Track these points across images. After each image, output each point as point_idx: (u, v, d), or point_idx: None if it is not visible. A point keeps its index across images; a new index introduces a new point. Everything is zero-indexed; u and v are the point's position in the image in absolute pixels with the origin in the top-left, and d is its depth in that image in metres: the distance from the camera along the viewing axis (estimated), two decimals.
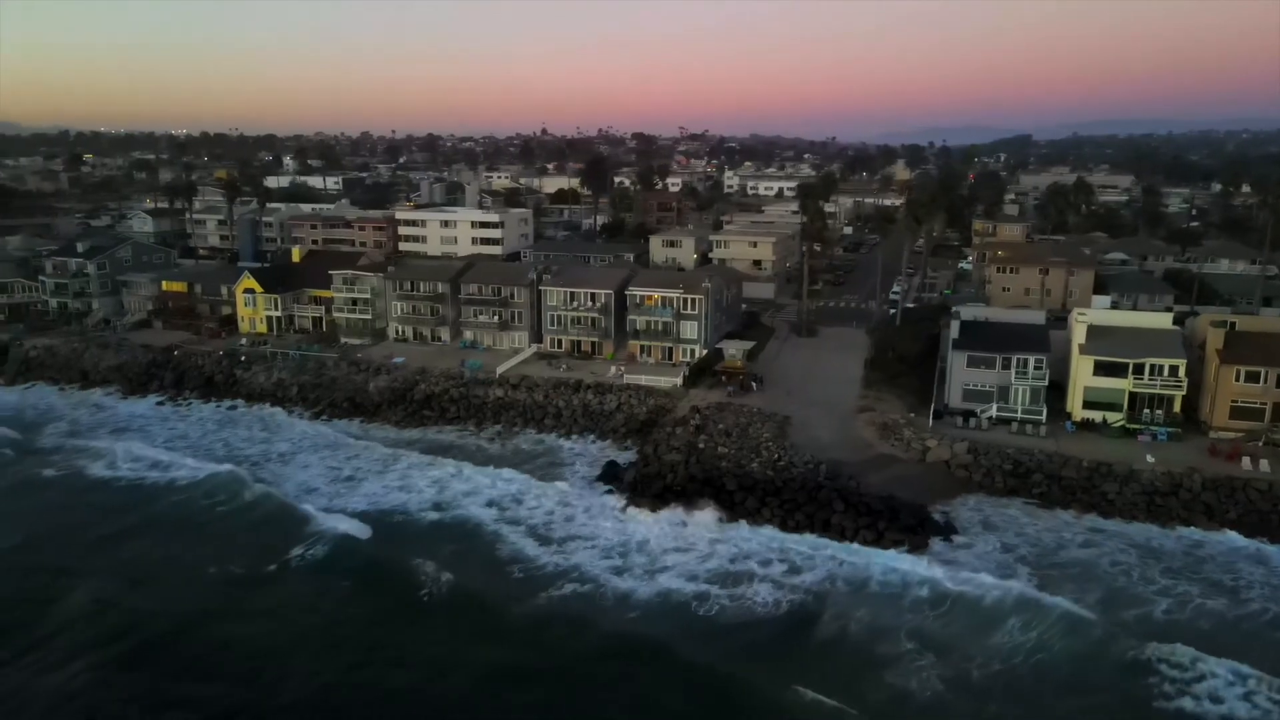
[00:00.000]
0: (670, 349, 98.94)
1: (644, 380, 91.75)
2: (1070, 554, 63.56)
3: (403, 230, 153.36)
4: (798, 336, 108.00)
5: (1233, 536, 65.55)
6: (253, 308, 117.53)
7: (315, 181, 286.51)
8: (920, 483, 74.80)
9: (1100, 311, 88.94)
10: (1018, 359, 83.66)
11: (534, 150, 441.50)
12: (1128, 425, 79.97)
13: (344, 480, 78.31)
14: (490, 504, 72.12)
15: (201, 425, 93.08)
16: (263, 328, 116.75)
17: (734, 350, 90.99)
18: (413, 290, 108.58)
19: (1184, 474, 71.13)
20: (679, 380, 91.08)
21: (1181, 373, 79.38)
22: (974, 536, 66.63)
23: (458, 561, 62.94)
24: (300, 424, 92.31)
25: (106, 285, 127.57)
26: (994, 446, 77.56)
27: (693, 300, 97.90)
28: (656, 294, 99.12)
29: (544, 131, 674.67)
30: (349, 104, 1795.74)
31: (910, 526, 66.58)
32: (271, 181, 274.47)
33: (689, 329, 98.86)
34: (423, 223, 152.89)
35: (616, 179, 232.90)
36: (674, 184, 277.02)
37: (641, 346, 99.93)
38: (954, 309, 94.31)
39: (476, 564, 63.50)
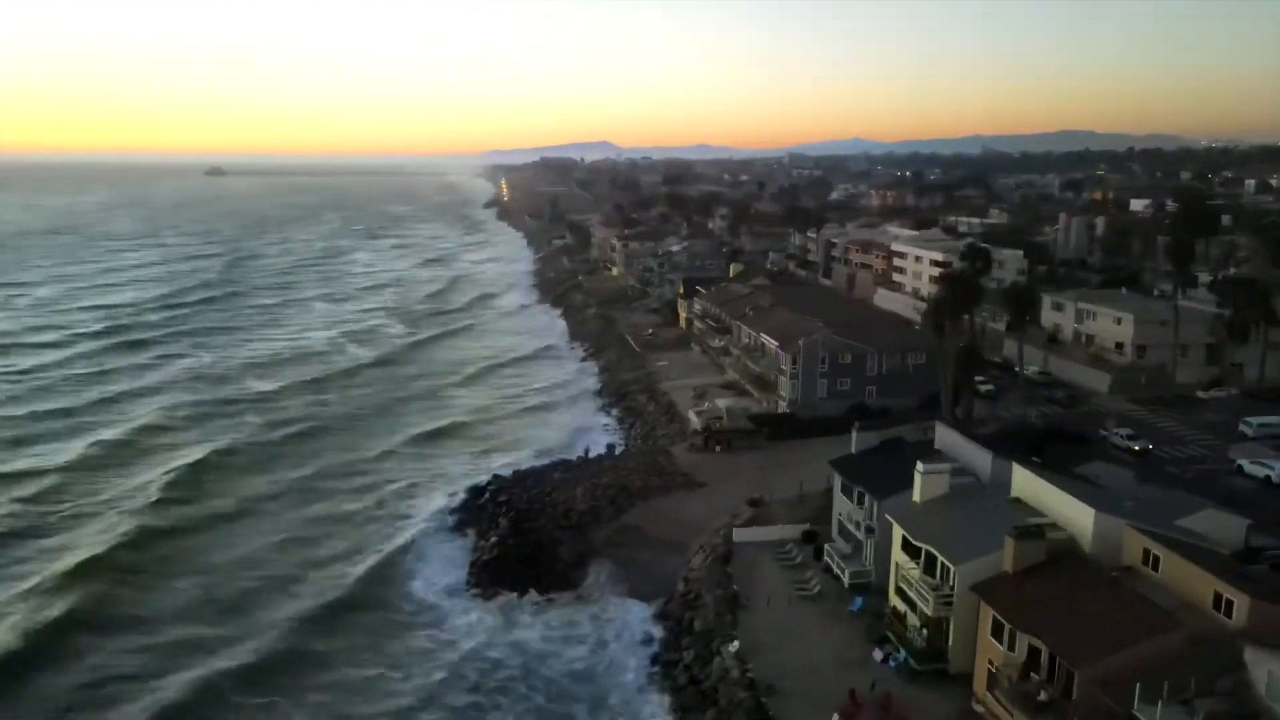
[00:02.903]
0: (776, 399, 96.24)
1: (692, 416, 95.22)
2: None
3: (896, 261, 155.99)
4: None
5: None
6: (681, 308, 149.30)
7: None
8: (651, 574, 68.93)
9: (1032, 476, 56.67)
10: (870, 499, 62.69)
11: None
12: (888, 633, 54.76)
13: None
14: None
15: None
16: (683, 323, 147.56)
17: (722, 406, 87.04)
18: (703, 310, 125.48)
19: None
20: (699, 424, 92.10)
21: (951, 581, 50.06)
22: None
23: None
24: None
25: (665, 278, 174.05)
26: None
27: (784, 356, 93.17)
28: (773, 345, 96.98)
29: None
30: None
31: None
32: None
33: (783, 383, 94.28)
34: (904, 255, 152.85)
35: None
36: None
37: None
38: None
39: None
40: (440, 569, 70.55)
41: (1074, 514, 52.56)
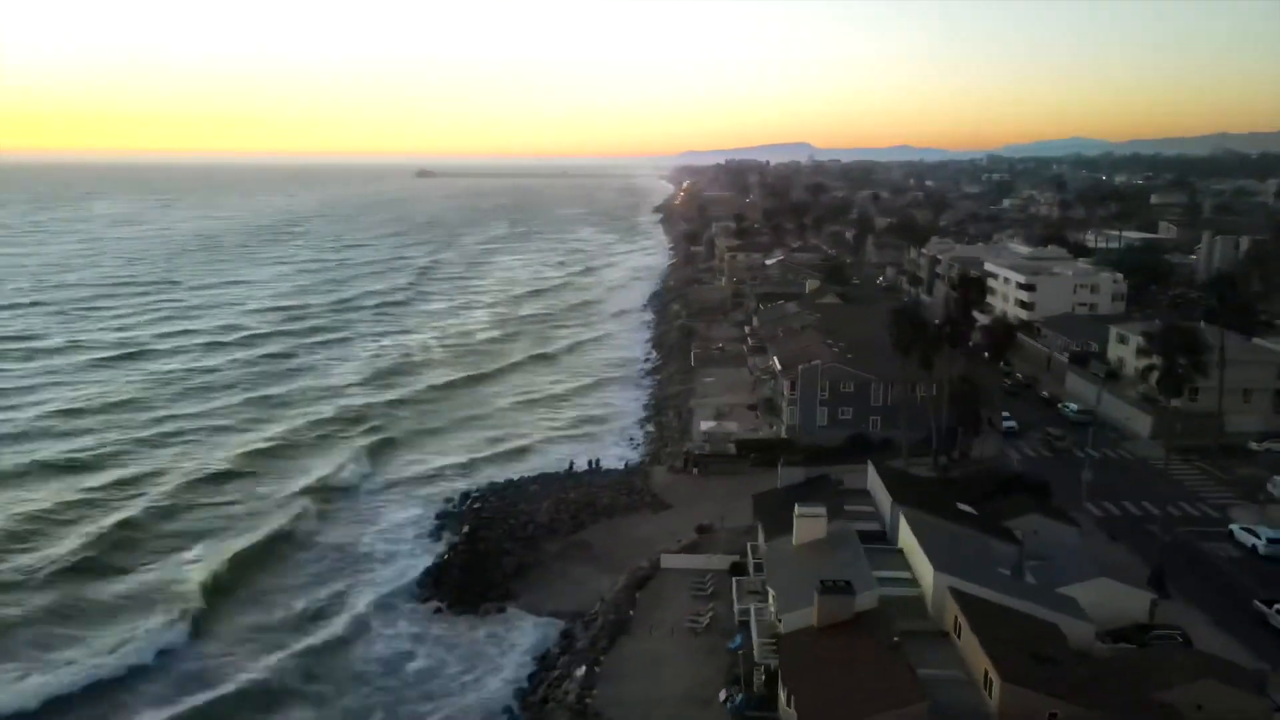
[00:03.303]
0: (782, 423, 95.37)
1: (695, 433, 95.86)
2: None
3: (989, 282, 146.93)
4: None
5: None
6: None
7: None
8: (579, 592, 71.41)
9: (907, 528, 54.27)
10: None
11: None
12: (741, 674, 54.67)
13: None
14: None
15: None
16: None
17: (705, 429, 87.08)
18: (752, 329, 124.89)
19: None
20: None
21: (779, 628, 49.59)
22: None
23: None
24: None
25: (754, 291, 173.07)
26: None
27: (784, 383, 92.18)
28: (778, 369, 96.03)
29: None
30: None
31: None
32: None
33: (785, 408, 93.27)
34: (994, 275, 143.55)
35: None
36: None
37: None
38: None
39: None
40: (396, 572, 75.55)
41: (923, 571, 50.74)
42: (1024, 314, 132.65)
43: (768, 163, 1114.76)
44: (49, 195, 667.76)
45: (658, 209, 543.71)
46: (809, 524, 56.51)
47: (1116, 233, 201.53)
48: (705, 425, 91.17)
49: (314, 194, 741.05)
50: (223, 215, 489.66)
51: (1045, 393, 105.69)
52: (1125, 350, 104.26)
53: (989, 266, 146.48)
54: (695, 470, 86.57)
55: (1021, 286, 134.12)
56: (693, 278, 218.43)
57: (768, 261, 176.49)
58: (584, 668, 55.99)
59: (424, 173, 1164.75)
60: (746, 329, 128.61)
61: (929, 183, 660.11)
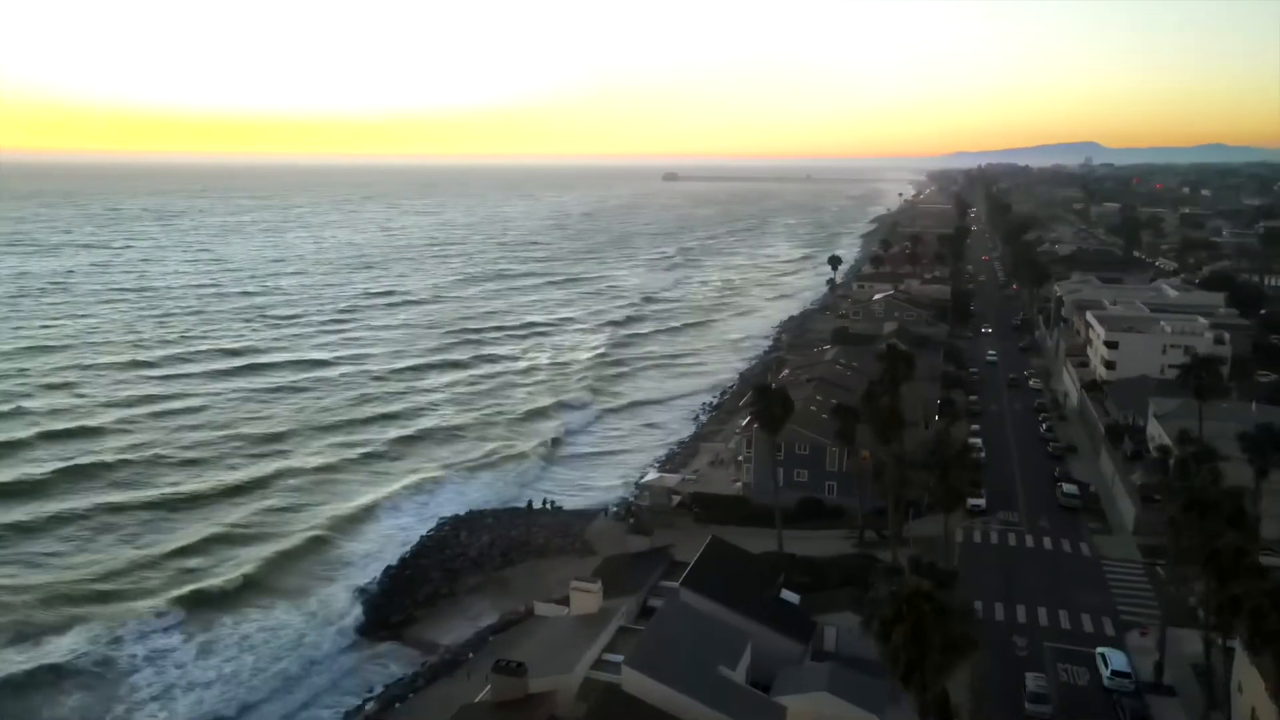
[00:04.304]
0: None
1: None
2: None
3: (1089, 333, 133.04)
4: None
5: None
6: None
7: None
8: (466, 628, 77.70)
9: None
10: None
11: None
12: None
13: None
14: None
15: None
16: None
17: (645, 481, 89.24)
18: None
19: None
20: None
21: None
22: None
23: None
24: None
25: None
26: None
27: (739, 438, 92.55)
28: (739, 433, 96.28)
29: None
30: None
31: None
32: None
33: (742, 465, 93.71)
34: (1091, 325, 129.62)
35: None
36: None
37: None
38: None
39: None
40: (344, 581, 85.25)
41: None
42: (1105, 374, 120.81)
43: (1027, 167, 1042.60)
44: (356, 195, 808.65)
45: (875, 219, 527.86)
46: (583, 597, 59.24)
47: None
48: (648, 477, 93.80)
49: (557, 198, 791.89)
50: (465, 221, 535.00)
51: (1057, 470, 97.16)
52: (1157, 429, 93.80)
53: (1088, 316, 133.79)
54: (631, 521, 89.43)
55: (1105, 344, 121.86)
56: (829, 304, 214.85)
57: (875, 295, 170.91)
58: (375, 704, 62.60)
59: (670, 176, 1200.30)
60: (783, 373, 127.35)
61: (1205, 192, 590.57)
